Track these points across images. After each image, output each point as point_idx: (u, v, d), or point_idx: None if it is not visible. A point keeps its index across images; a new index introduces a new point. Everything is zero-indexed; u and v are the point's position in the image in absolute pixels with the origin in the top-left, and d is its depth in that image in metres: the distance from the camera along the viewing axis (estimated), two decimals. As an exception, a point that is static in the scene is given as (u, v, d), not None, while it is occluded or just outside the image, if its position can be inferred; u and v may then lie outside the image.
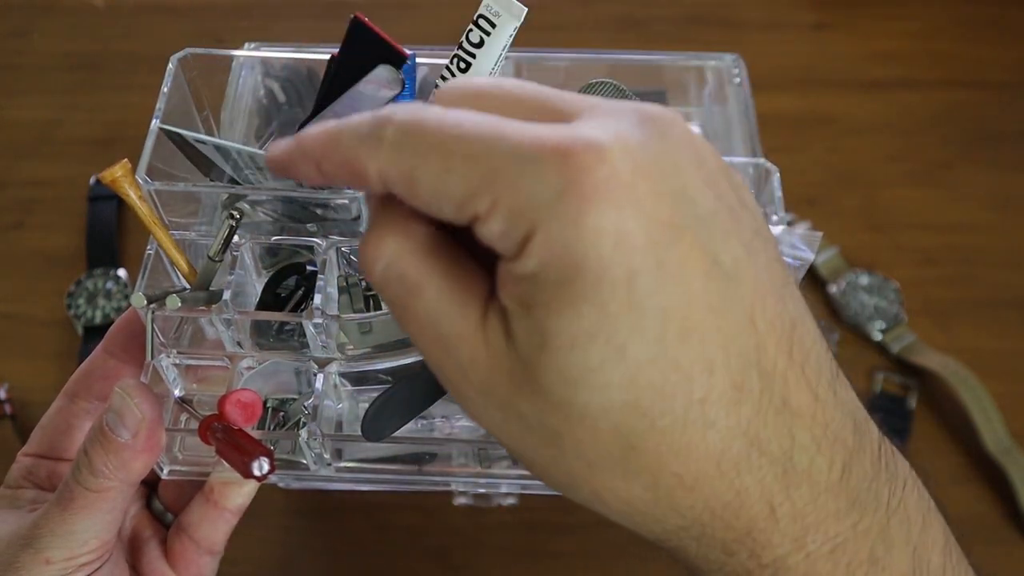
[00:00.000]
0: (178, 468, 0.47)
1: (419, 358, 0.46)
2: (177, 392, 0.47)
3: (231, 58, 0.56)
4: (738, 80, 0.62)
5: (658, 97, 0.67)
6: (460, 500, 0.63)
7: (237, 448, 0.39)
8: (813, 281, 0.77)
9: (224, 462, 0.41)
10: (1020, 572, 0.65)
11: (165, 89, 0.50)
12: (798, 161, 0.84)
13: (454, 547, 0.65)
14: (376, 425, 0.42)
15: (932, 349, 0.73)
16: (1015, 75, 0.90)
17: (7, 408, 0.69)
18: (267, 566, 0.65)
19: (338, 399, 0.48)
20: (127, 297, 0.75)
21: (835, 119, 0.87)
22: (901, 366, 0.73)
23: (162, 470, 0.47)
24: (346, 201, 0.46)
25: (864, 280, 0.77)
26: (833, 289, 0.77)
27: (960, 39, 0.93)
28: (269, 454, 0.38)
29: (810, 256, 0.51)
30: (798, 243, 0.51)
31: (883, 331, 0.74)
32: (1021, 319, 0.76)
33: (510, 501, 0.63)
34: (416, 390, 0.43)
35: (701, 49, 0.65)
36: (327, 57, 0.47)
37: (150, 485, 0.49)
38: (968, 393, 0.70)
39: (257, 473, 0.38)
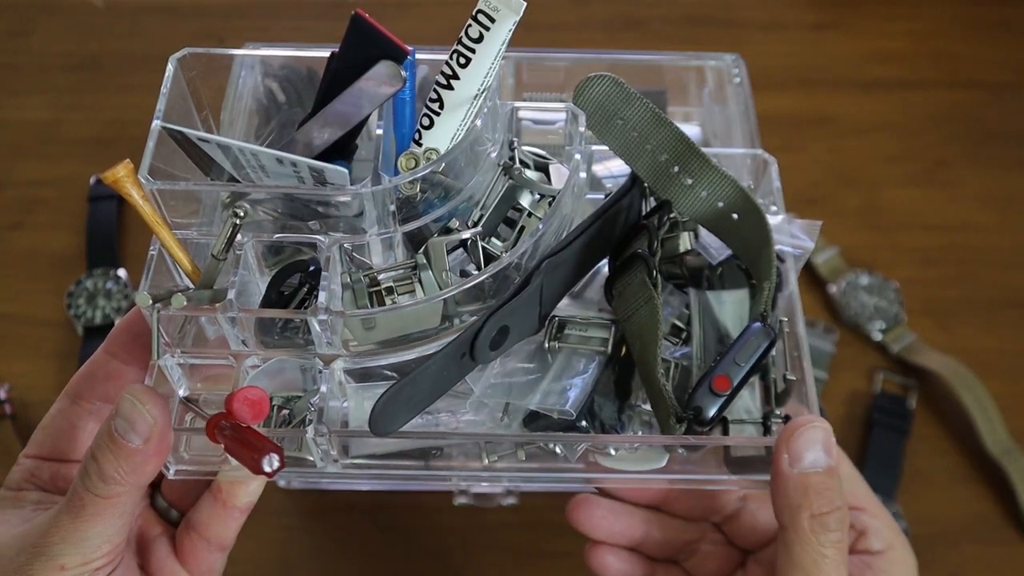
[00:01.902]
0: (184, 468, 0.46)
1: (424, 352, 0.46)
2: (182, 392, 0.47)
3: (231, 58, 0.56)
4: (738, 80, 0.62)
5: (658, 97, 0.67)
6: (460, 500, 0.63)
7: (246, 445, 0.39)
8: (813, 281, 0.78)
9: (232, 459, 0.41)
10: (1020, 572, 0.66)
11: (165, 89, 0.49)
12: (798, 161, 0.84)
13: (454, 547, 0.65)
14: (383, 420, 0.42)
15: (932, 349, 0.73)
16: (1015, 75, 0.90)
17: (7, 408, 0.69)
18: (267, 566, 0.65)
19: (343, 396, 0.48)
20: (127, 297, 0.74)
21: (835, 119, 0.87)
22: (901, 366, 0.73)
23: (168, 470, 0.46)
24: (348, 198, 0.46)
25: (864, 280, 0.77)
26: (833, 289, 0.77)
27: (960, 39, 0.93)
28: (279, 450, 0.38)
29: (810, 245, 0.51)
30: (798, 232, 0.51)
31: (883, 331, 0.74)
32: (1021, 319, 0.76)
33: (510, 501, 0.63)
34: (421, 385, 0.43)
35: (701, 49, 0.65)
36: (327, 56, 0.47)
37: (152, 483, 0.49)
38: (968, 393, 0.70)
39: (267, 469, 0.38)
